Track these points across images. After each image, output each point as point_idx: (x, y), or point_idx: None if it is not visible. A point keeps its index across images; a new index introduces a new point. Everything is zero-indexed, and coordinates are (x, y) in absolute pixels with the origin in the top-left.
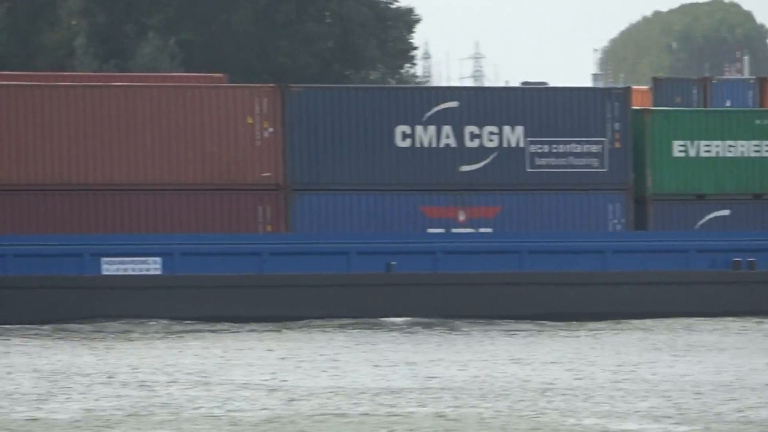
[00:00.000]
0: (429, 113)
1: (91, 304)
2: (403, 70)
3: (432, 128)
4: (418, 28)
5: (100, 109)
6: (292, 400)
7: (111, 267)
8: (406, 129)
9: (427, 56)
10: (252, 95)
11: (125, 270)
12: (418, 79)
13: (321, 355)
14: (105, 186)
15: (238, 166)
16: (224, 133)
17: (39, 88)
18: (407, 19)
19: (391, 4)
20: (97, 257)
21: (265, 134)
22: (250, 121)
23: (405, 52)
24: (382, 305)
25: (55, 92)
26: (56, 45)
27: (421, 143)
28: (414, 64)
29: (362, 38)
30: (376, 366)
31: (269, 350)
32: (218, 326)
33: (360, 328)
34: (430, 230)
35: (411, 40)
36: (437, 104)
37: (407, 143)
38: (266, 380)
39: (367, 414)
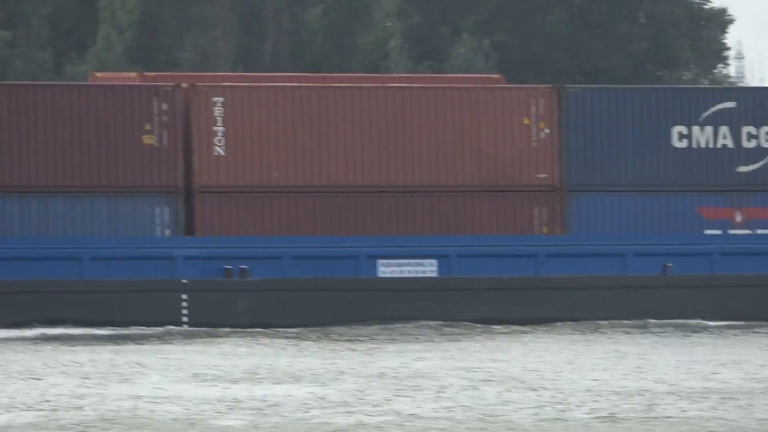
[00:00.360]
0: (706, 113)
1: (367, 307)
2: (716, 71)
3: (709, 129)
4: (732, 29)
5: (376, 111)
6: (618, 401)
7: (387, 269)
8: (683, 129)
9: (740, 56)
10: (528, 96)
11: (401, 272)
12: (731, 80)
13: (637, 355)
14: (381, 188)
15: (515, 167)
16: (500, 134)
17: (307, 89)
18: (720, 20)
19: (704, 4)
20: (374, 259)
21: (542, 135)
22: (526, 122)
23: (718, 53)
24: (659, 307)
25: (325, 93)
26: (371, 46)
27: (698, 144)
28: (727, 65)
29: (675, 39)
30: (680, 366)
31: (587, 349)
32: (525, 329)
33: (675, 330)
34: (707, 231)
35: (724, 41)
36: (714, 105)
37: (684, 144)
38: (593, 381)
39: (665, 417)
